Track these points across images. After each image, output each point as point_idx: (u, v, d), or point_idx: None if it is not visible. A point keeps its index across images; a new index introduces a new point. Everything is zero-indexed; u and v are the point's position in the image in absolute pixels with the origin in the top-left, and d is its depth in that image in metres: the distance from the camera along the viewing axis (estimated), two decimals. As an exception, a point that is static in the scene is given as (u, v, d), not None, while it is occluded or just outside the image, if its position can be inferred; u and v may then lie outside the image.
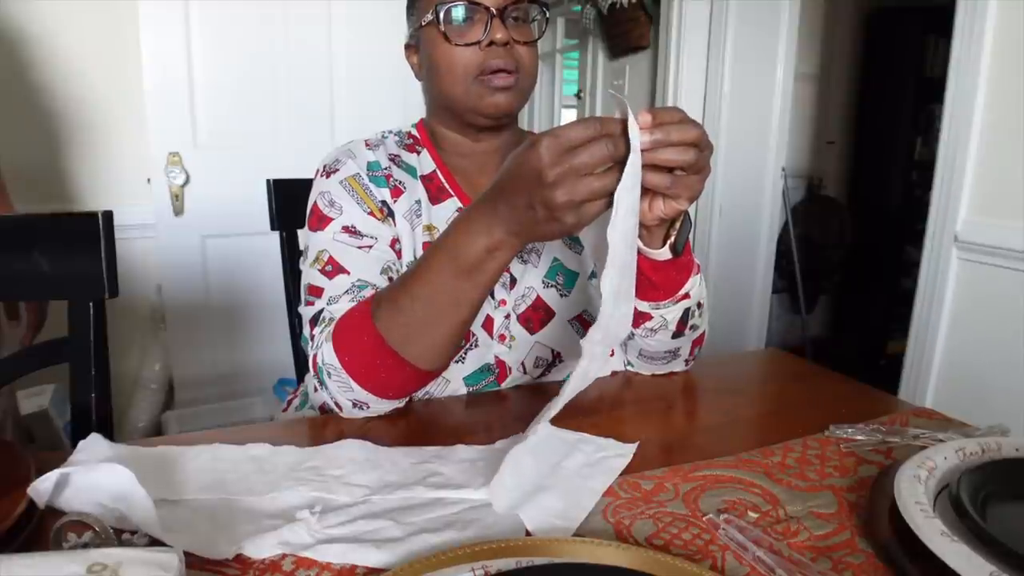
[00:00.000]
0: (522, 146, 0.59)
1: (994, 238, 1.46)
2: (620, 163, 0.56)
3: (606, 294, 0.57)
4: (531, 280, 0.88)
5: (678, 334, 0.82)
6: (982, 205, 1.50)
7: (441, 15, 0.79)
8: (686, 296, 0.79)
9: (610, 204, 0.58)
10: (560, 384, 0.88)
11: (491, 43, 0.79)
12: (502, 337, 0.86)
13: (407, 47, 0.90)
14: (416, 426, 0.74)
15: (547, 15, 0.85)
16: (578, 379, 0.59)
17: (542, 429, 0.59)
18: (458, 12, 0.79)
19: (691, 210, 0.69)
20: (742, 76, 2.49)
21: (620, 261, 0.57)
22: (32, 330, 1.21)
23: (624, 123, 0.56)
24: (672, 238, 0.71)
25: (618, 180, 0.56)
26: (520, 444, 0.58)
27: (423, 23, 0.82)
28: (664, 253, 0.72)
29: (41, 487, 0.51)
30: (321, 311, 0.78)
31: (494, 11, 0.78)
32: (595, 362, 0.60)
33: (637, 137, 0.56)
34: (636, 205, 0.58)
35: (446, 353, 0.72)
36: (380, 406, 0.74)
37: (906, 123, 3.33)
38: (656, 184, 0.60)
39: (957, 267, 1.55)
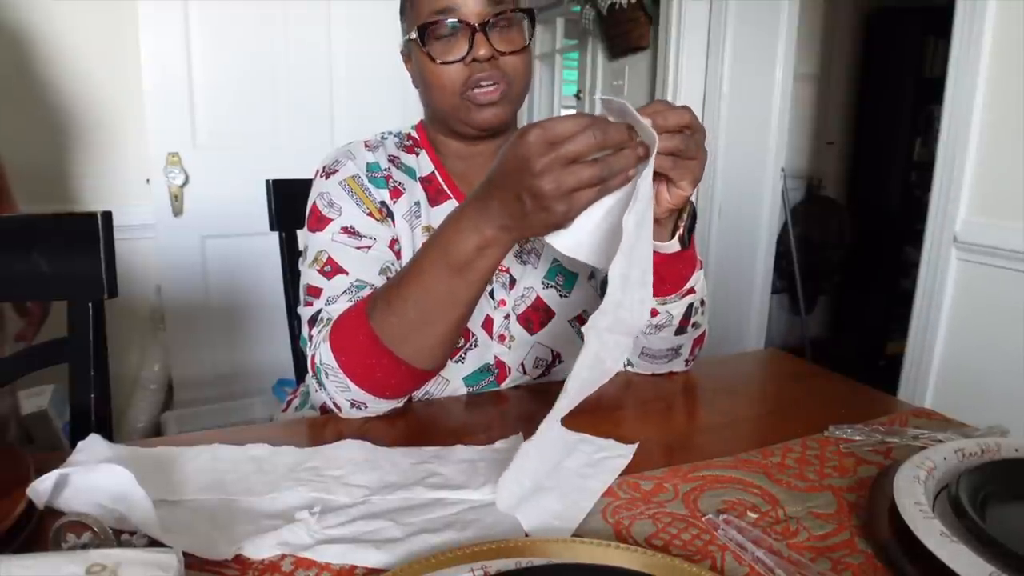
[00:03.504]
0: (511, 138, 0.59)
1: (993, 239, 1.46)
2: (610, 151, 0.57)
3: (613, 278, 0.56)
4: (531, 280, 0.88)
5: (681, 330, 0.82)
6: (981, 205, 1.50)
7: (423, 34, 0.79)
8: (691, 291, 0.79)
9: (602, 193, 0.58)
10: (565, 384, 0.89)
11: (475, 59, 0.78)
12: (502, 337, 0.86)
13: (403, 54, 0.90)
14: (415, 426, 0.74)
15: (534, 19, 0.83)
16: (589, 369, 0.57)
17: (552, 429, 0.58)
18: (440, 30, 0.78)
19: (694, 201, 0.70)
20: (741, 76, 2.49)
21: (629, 247, 0.56)
22: (35, 325, 1.22)
23: (623, 123, 0.57)
24: (681, 229, 0.72)
25: (611, 169, 0.56)
26: (528, 442, 0.58)
27: (410, 38, 0.82)
28: (673, 245, 0.72)
29: (40, 487, 0.51)
30: (319, 311, 0.78)
31: (476, 25, 0.77)
32: (608, 351, 0.59)
33: (650, 125, 0.56)
34: (651, 194, 0.59)
35: (442, 352, 0.72)
36: (378, 406, 0.74)
37: (905, 123, 3.33)
38: (659, 165, 0.60)
39: (956, 268, 1.55)
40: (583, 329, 0.56)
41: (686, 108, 0.60)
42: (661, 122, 0.58)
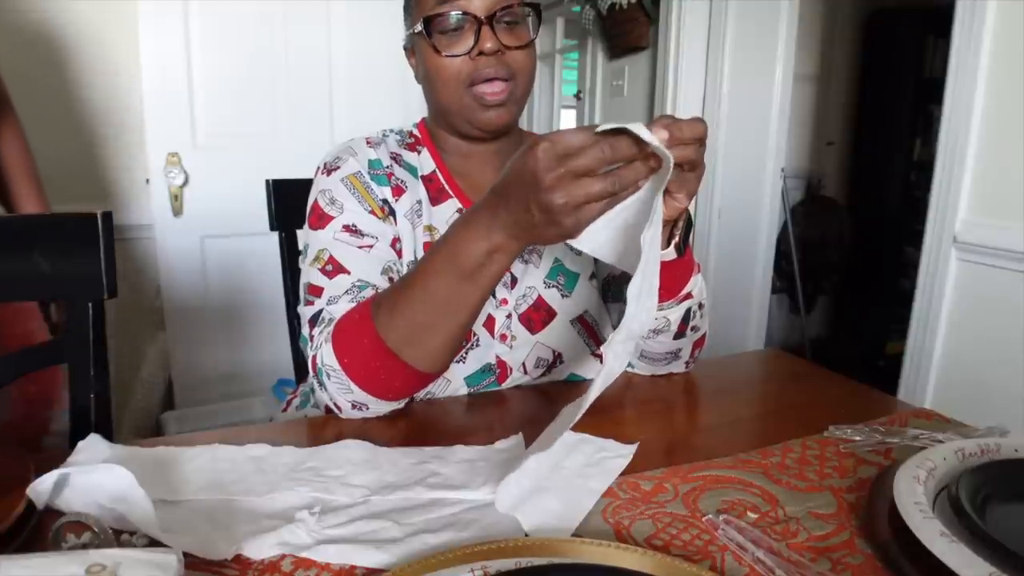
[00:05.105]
0: (520, 150, 0.59)
1: (993, 239, 1.46)
2: (619, 166, 0.56)
3: (630, 297, 0.56)
4: (532, 280, 0.88)
5: (680, 334, 0.82)
6: (981, 206, 1.50)
7: (429, 26, 0.78)
8: (688, 296, 0.79)
9: (609, 206, 0.58)
10: (565, 384, 0.89)
11: (481, 52, 0.78)
12: (503, 337, 0.86)
13: (406, 49, 0.90)
14: (416, 426, 0.74)
15: (540, 14, 0.83)
16: (602, 380, 0.58)
17: (562, 436, 0.58)
18: (445, 23, 0.78)
19: (690, 209, 0.70)
20: (741, 76, 2.49)
21: (644, 264, 0.56)
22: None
23: (632, 138, 0.56)
24: (676, 238, 0.72)
25: (621, 183, 0.56)
26: (543, 453, 0.57)
27: (415, 31, 0.82)
28: (669, 253, 0.72)
29: (40, 487, 0.51)
30: (321, 311, 0.78)
31: (483, 18, 0.77)
32: (618, 360, 0.59)
33: (663, 143, 0.55)
34: (662, 209, 0.58)
35: (446, 355, 0.71)
36: (379, 407, 0.74)
37: (905, 124, 3.33)
38: None
39: (956, 268, 1.55)
40: (602, 349, 0.56)
41: (700, 120, 0.59)
42: (678, 134, 0.56)
